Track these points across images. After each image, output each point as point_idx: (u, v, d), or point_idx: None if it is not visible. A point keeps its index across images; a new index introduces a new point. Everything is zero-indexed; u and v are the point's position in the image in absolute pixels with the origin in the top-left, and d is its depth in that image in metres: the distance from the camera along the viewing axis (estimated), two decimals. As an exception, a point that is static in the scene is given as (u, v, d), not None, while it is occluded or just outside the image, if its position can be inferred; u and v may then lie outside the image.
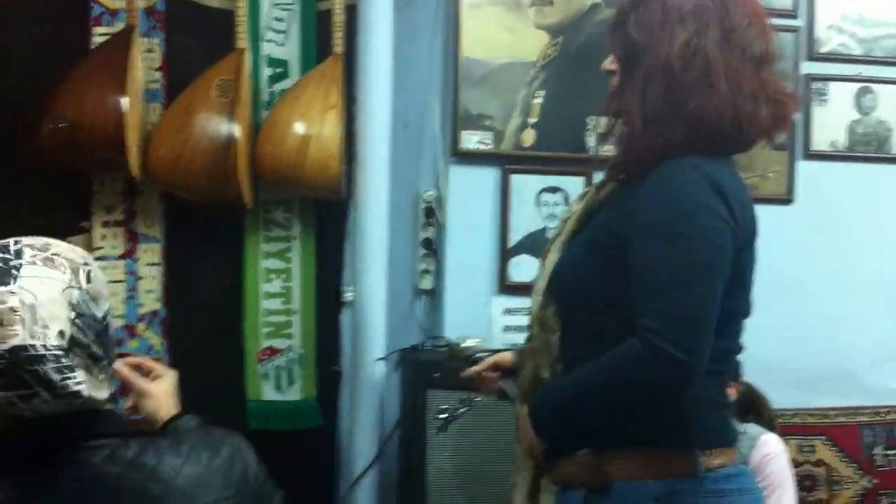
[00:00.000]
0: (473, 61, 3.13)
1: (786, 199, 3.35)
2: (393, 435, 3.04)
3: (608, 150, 1.97)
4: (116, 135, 2.73)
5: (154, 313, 2.98)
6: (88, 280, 1.33)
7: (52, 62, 2.85)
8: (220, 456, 1.35)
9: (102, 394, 1.33)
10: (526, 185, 3.18)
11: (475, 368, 2.19)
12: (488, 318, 3.15)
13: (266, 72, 3.06)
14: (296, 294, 3.11)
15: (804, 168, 3.38)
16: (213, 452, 1.35)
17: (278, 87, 3.06)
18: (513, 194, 3.18)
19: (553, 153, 3.18)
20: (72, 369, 1.26)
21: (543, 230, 3.15)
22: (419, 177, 3.21)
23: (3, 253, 1.30)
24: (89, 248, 2.95)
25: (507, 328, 3.15)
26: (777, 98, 1.69)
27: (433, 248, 3.20)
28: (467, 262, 3.18)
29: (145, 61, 2.93)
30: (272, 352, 3.08)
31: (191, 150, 2.82)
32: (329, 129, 2.92)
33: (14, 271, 1.27)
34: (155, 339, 2.98)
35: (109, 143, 2.74)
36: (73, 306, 1.29)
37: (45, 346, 1.24)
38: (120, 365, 1.58)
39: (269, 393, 3.08)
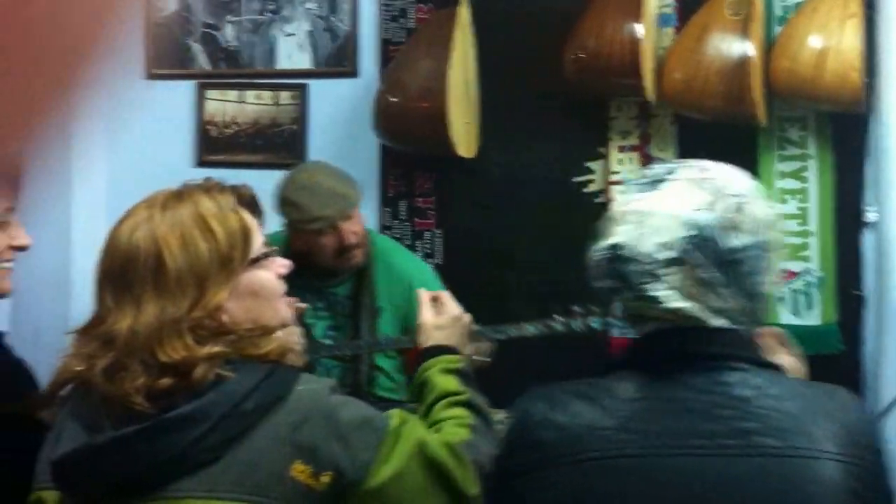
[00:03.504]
0: None
1: None
2: (924, 363, 2.84)
3: None
4: (633, 61, 2.82)
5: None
6: (737, 210, 1.33)
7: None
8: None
9: (714, 319, 1.33)
10: None
11: None
12: None
13: (779, -15, 2.97)
14: (813, 215, 3.00)
15: None
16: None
17: (791, 0, 2.96)
18: None
19: None
20: (658, 279, 1.31)
21: None
22: (951, 85, 2.92)
23: (659, 167, 1.40)
24: (606, 172, 3.10)
25: None
26: None
27: (968, 163, 2.90)
28: None
29: (656, -14, 2.98)
30: (789, 275, 3.01)
31: (704, 71, 2.82)
32: (848, 39, 2.77)
33: (658, 183, 1.36)
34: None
35: (626, 69, 2.84)
36: (691, 226, 1.31)
37: (639, 251, 1.32)
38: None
39: (785, 317, 3.01)
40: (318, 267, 2.73)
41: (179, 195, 1.45)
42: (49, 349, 1.83)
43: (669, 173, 1.36)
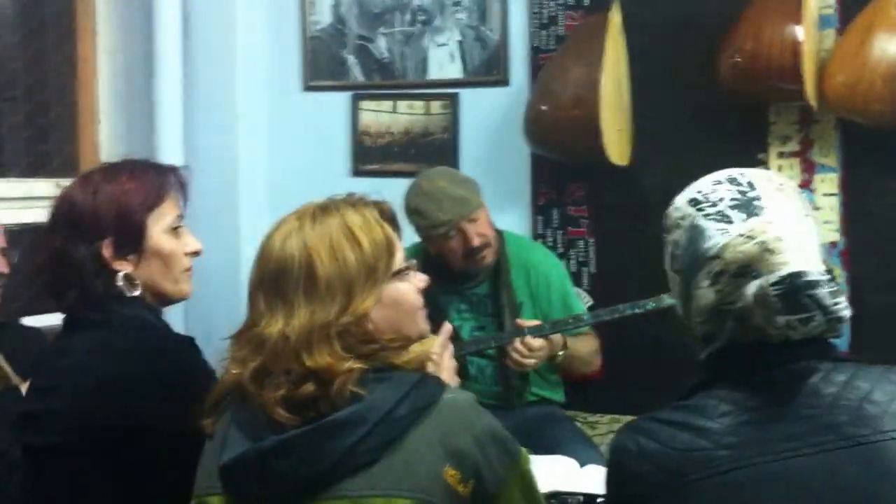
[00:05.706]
0: None
1: None
2: None
3: None
4: (792, 64, 2.73)
5: (833, 244, 2.93)
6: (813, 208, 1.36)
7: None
8: None
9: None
10: None
11: None
12: None
13: (947, -17, 2.82)
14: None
15: None
16: None
17: (967, -3, 2.81)
18: None
19: None
20: (838, 294, 1.27)
21: None
22: None
23: (736, 185, 1.38)
24: (765, 179, 3.01)
25: None
26: None
27: None
28: None
29: (819, -12, 2.89)
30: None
31: (870, 74, 2.71)
32: None
33: (755, 202, 1.34)
34: (835, 270, 2.93)
35: (785, 73, 2.74)
36: (820, 238, 1.33)
37: (817, 271, 1.28)
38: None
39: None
40: (455, 270, 2.81)
41: (326, 208, 1.53)
42: (221, 352, 1.91)
43: (752, 189, 1.36)
